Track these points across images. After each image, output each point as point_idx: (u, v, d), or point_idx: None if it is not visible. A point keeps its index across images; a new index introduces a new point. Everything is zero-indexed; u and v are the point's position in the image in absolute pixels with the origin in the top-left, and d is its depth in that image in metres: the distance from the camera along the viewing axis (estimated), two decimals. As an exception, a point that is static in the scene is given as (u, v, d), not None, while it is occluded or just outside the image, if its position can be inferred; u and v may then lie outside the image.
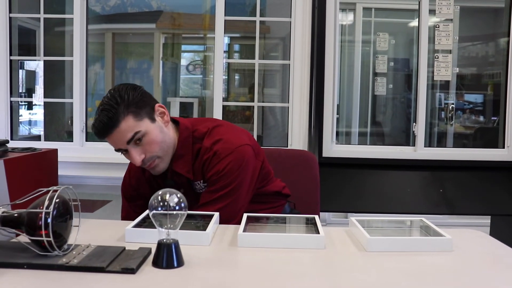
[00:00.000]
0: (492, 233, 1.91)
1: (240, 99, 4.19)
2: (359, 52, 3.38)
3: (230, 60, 4.28)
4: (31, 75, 3.40)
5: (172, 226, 0.93)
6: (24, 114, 3.64)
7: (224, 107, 3.11)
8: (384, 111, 3.74)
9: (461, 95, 3.61)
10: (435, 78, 2.73)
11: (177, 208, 0.93)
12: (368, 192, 2.65)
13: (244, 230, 1.12)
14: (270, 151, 1.77)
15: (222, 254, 1.04)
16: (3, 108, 3.10)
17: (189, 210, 1.03)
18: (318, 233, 1.10)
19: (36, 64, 3.30)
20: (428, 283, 0.89)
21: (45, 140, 3.23)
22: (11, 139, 3.09)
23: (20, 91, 3.47)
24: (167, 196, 0.94)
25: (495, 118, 3.31)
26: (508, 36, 2.76)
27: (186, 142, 1.41)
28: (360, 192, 2.65)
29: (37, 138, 3.41)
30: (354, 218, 1.21)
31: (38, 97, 3.30)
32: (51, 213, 0.90)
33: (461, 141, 3.51)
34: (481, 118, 3.64)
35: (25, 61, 3.46)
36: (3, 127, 3.10)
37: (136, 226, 1.14)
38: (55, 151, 2.76)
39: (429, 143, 3.20)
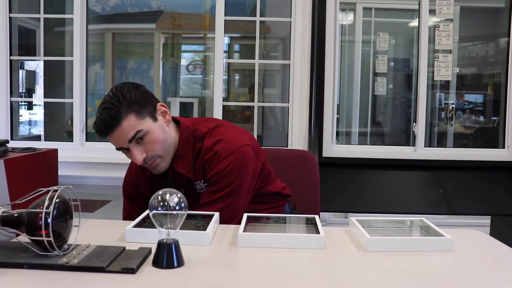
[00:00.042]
0: (492, 233, 1.91)
1: (240, 99, 4.18)
2: (359, 52, 3.38)
3: (230, 60, 4.28)
4: (31, 75, 3.40)
5: (172, 226, 0.93)
6: (24, 114, 3.64)
7: (224, 107, 3.12)
8: (384, 111, 3.74)
9: (461, 95, 3.61)
10: (435, 78, 2.73)
11: (177, 208, 0.93)
12: (368, 192, 2.65)
13: (244, 230, 1.12)
14: (270, 151, 1.77)
15: (222, 254, 1.04)
16: (3, 108, 3.10)
17: (189, 210, 1.03)
18: (318, 233, 1.10)
19: (36, 64, 3.30)
20: (428, 283, 0.89)
21: (45, 140, 3.23)
22: (11, 139, 3.09)
23: (20, 91, 3.47)
24: (167, 196, 0.94)
25: (495, 118, 3.31)
26: (508, 36, 2.76)
27: (187, 142, 1.41)
28: (360, 192, 2.65)
29: (37, 138, 3.41)
30: (354, 218, 1.21)
31: (38, 97, 3.30)
32: (51, 213, 0.90)
33: (461, 141, 3.51)
34: (481, 118, 3.64)
35: (25, 61, 3.46)
36: (3, 127, 3.10)
37: (136, 226, 1.13)
38: (55, 151, 2.76)
39: (429, 143, 3.20)
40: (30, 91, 3.45)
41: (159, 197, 0.94)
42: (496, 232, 2.56)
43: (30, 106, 3.58)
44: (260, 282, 0.88)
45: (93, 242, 1.01)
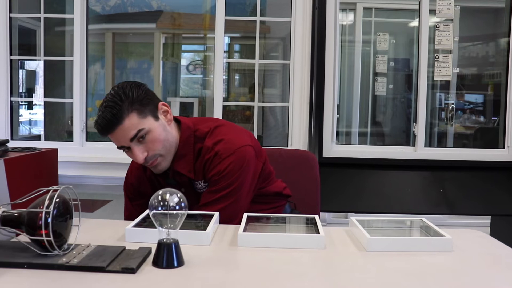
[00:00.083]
0: (492, 233, 1.91)
1: (240, 99, 4.18)
2: (359, 52, 3.38)
3: (230, 60, 4.28)
4: (31, 75, 3.40)
5: (172, 226, 0.93)
6: (24, 114, 3.64)
7: (224, 107, 3.12)
8: (384, 111, 3.74)
9: (462, 95, 3.61)
10: (435, 78, 2.73)
11: (177, 208, 0.93)
12: (368, 192, 2.65)
13: (244, 230, 1.12)
14: (271, 151, 1.77)
15: (222, 254, 1.04)
16: (3, 108, 3.10)
17: (190, 209, 1.03)
18: (318, 233, 1.10)
19: (36, 64, 3.30)
20: (428, 283, 0.89)
21: (45, 140, 3.23)
22: (11, 139, 3.09)
23: (20, 91, 3.47)
24: (167, 195, 0.94)
25: (495, 118, 3.30)
26: (509, 36, 2.76)
27: (187, 141, 1.41)
28: (360, 192, 2.65)
29: (37, 138, 3.41)
30: (354, 218, 1.21)
31: (38, 97, 3.30)
32: (51, 212, 0.90)
33: (461, 141, 3.51)
34: (481, 118, 3.64)
35: (25, 61, 3.46)
36: (3, 127, 3.10)
37: (136, 225, 1.14)
38: (55, 151, 2.76)
39: (429, 143, 3.20)
40: (30, 91, 3.45)
41: (159, 196, 0.94)
42: (496, 232, 2.56)
43: (30, 106, 3.58)
44: (260, 282, 0.88)
45: (93, 242, 1.01)
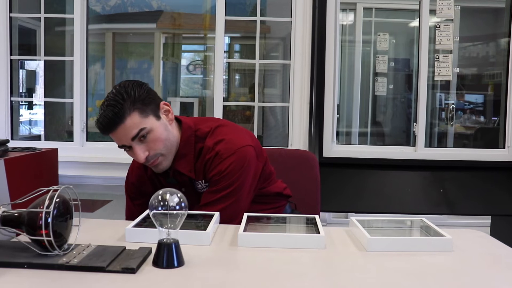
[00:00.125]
0: (493, 233, 1.91)
1: (240, 99, 4.18)
2: (359, 52, 3.38)
3: (231, 60, 4.28)
4: (32, 75, 3.40)
5: (172, 226, 0.93)
6: (25, 114, 3.64)
7: (224, 107, 3.12)
8: (384, 111, 3.74)
9: (462, 95, 3.61)
10: (435, 78, 2.73)
11: (177, 208, 0.93)
12: (368, 192, 2.65)
13: (245, 230, 1.12)
14: (271, 151, 1.77)
15: (222, 254, 1.04)
16: (4, 108, 3.10)
17: (190, 209, 1.03)
18: (319, 233, 1.10)
19: (36, 64, 3.30)
20: (429, 283, 0.89)
21: (45, 140, 3.23)
22: (12, 138, 3.09)
23: (21, 91, 3.47)
24: (168, 195, 0.94)
25: (496, 118, 3.30)
26: (509, 36, 2.76)
27: (188, 141, 1.41)
28: (360, 192, 2.65)
29: (37, 138, 3.41)
30: (354, 218, 1.21)
31: (39, 97, 3.31)
32: (51, 212, 0.90)
33: (461, 141, 3.51)
34: (482, 118, 3.63)
35: (25, 61, 3.46)
36: (3, 126, 3.10)
37: (137, 225, 1.14)
38: (55, 151, 2.76)
39: (429, 143, 3.20)
40: (30, 91, 3.45)
41: (159, 196, 0.94)
42: (497, 232, 2.56)
43: (30, 106, 3.58)
44: (260, 282, 0.88)
45: (93, 242, 1.01)
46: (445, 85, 3.36)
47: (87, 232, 1.11)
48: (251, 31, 3.28)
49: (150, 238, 1.05)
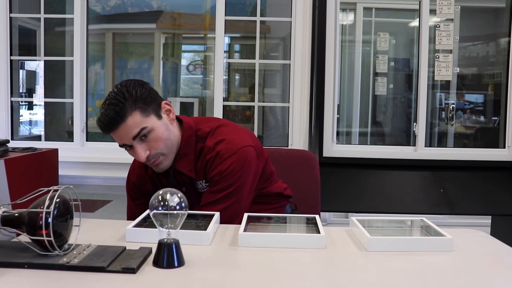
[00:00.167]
0: (493, 233, 1.90)
1: (240, 99, 4.18)
2: (359, 52, 3.38)
3: (231, 60, 4.28)
4: (32, 75, 3.40)
5: (172, 225, 0.93)
6: (25, 114, 3.64)
7: (224, 107, 3.12)
8: (384, 111, 3.73)
9: (462, 95, 3.60)
10: (435, 78, 2.73)
11: (177, 208, 0.93)
12: (368, 192, 2.65)
13: (245, 230, 1.12)
14: (271, 151, 1.77)
15: (222, 253, 1.04)
16: (4, 108, 3.10)
17: (191, 209, 1.03)
18: (319, 233, 1.10)
19: (36, 64, 3.30)
20: (429, 283, 0.89)
21: (46, 140, 3.23)
22: (12, 139, 3.09)
23: (21, 91, 3.47)
24: (168, 195, 0.94)
25: (496, 118, 3.30)
26: (509, 36, 2.76)
27: (189, 141, 1.41)
28: (360, 192, 2.65)
29: (37, 138, 3.41)
30: (354, 217, 1.21)
31: (39, 97, 3.30)
32: (51, 212, 0.90)
33: (461, 141, 3.51)
34: (482, 118, 3.63)
35: (25, 61, 3.46)
36: (3, 127, 3.10)
37: (137, 225, 1.14)
38: (55, 151, 2.76)
39: (429, 143, 3.20)
40: (30, 91, 3.45)
41: (160, 196, 0.94)
42: (497, 232, 2.56)
43: (30, 106, 3.58)
44: (260, 282, 0.88)
45: (93, 242, 1.01)
46: (445, 85, 3.36)
47: (87, 232, 1.11)
48: (251, 31, 3.28)
49: (150, 238, 1.05)
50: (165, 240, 0.93)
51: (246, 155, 1.37)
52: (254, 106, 3.17)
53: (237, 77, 4.29)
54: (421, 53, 2.70)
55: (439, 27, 2.70)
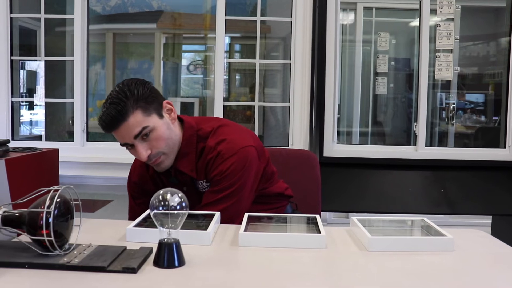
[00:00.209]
0: (494, 233, 1.90)
1: (241, 99, 4.18)
2: (360, 51, 3.38)
3: (231, 60, 4.28)
4: (32, 75, 3.40)
5: (173, 225, 0.93)
6: (25, 114, 3.64)
7: (225, 107, 3.11)
8: (385, 110, 3.73)
9: (462, 94, 3.60)
10: (436, 78, 2.73)
11: (178, 207, 0.93)
12: (369, 192, 2.65)
13: (245, 230, 1.12)
14: (271, 151, 1.77)
15: (223, 253, 1.04)
16: (4, 108, 3.10)
17: (191, 209, 1.03)
18: (319, 232, 1.10)
19: (37, 64, 3.30)
20: (429, 283, 0.89)
21: (46, 140, 3.23)
22: (12, 139, 3.09)
23: (21, 91, 3.47)
24: (168, 195, 0.94)
25: (496, 117, 3.30)
26: (510, 35, 2.76)
27: (190, 140, 1.41)
28: (361, 191, 2.65)
29: (38, 138, 3.41)
30: (355, 217, 1.21)
31: (39, 97, 3.31)
32: (52, 212, 0.90)
33: (462, 140, 3.51)
34: (482, 118, 3.63)
35: (26, 61, 3.46)
36: (4, 127, 3.10)
37: (137, 225, 1.13)
38: (56, 151, 2.76)
39: (430, 143, 3.20)
40: (31, 91, 3.45)
41: (160, 196, 0.94)
42: (497, 232, 2.55)
43: (31, 106, 3.59)
44: (261, 281, 0.88)
45: (94, 242, 1.01)
46: (446, 85, 3.36)
47: (88, 232, 1.11)
48: (251, 31, 3.28)
49: (151, 238, 1.05)
50: (165, 240, 0.93)
51: (247, 155, 1.37)
52: (254, 106, 3.17)
53: (237, 77, 4.29)
54: (422, 52, 2.70)
55: (439, 26, 2.70)
